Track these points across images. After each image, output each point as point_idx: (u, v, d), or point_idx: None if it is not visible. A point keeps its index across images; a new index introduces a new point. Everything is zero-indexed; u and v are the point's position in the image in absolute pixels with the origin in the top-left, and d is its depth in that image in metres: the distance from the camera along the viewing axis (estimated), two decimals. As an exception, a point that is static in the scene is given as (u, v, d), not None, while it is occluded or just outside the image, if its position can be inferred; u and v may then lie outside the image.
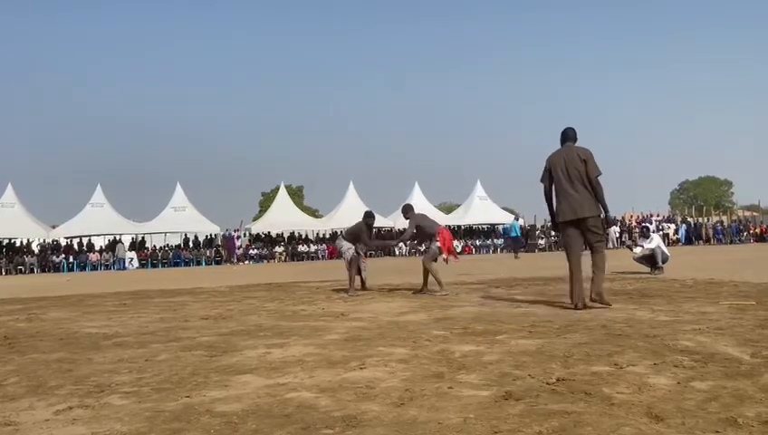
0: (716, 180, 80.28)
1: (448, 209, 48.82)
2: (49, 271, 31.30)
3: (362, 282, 9.54)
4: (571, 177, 6.02)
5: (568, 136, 6.28)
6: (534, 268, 14.95)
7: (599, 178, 6.02)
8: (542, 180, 6.30)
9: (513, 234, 27.16)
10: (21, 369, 4.03)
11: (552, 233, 37.24)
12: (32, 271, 31.30)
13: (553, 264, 17.01)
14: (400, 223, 34.72)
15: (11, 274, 30.56)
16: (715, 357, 3.55)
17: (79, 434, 2.52)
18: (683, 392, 2.81)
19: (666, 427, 2.33)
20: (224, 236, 35.27)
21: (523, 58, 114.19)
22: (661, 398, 2.73)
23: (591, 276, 6.12)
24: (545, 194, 6.32)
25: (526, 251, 35.37)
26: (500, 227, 41.79)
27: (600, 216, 6.10)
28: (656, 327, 4.75)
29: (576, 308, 6.00)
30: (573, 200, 6.01)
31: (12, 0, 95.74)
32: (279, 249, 35.96)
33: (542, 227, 38.76)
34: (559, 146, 6.37)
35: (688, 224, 37.99)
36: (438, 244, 8.50)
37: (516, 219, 28.83)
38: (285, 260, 34.56)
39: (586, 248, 6.26)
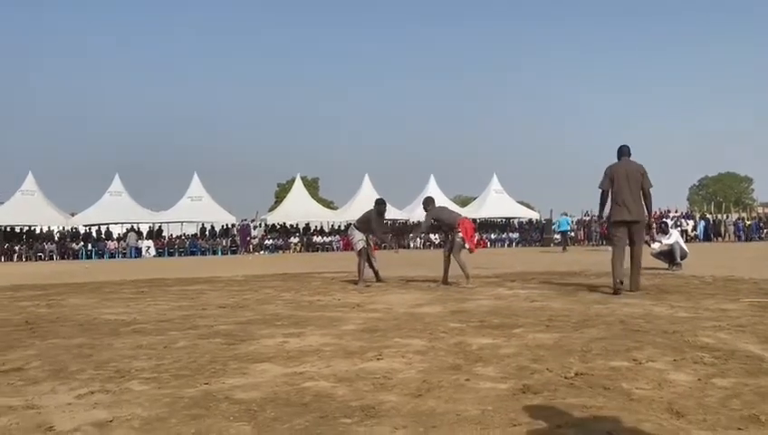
0: (737, 177, 79.03)
1: (464, 202, 48.59)
2: (68, 258, 31.69)
3: (375, 273, 9.54)
4: (630, 186, 7.10)
5: (624, 152, 7.36)
6: (550, 263, 14.86)
7: (650, 189, 7.22)
8: (601, 186, 7.30)
9: (563, 228, 27.28)
10: (42, 353, 4.09)
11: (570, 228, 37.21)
12: (51, 258, 31.72)
13: (569, 258, 16.91)
14: (415, 216, 34.72)
15: (31, 260, 30.99)
16: (735, 354, 3.51)
17: (101, 418, 2.56)
18: (704, 389, 2.79)
19: (687, 423, 2.30)
20: (240, 225, 35.47)
21: (540, 52, 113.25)
22: (682, 394, 2.70)
23: (630, 270, 7.13)
24: (603, 196, 7.34)
25: (541, 245, 35.20)
26: (514, 221, 41.62)
27: (645, 221, 7.38)
28: (675, 323, 4.71)
29: (616, 289, 6.94)
30: (630, 205, 7.09)
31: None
32: (294, 240, 36.11)
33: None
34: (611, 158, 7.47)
35: (707, 220, 37.51)
36: (461, 235, 8.49)
37: (565, 214, 28.86)
38: (300, 251, 34.70)
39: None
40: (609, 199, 7.26)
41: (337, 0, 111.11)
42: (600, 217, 7.90)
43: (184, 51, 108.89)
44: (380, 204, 9.65)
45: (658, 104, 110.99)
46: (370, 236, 9.59)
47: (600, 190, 7.33)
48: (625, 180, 7.11)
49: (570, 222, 28.21)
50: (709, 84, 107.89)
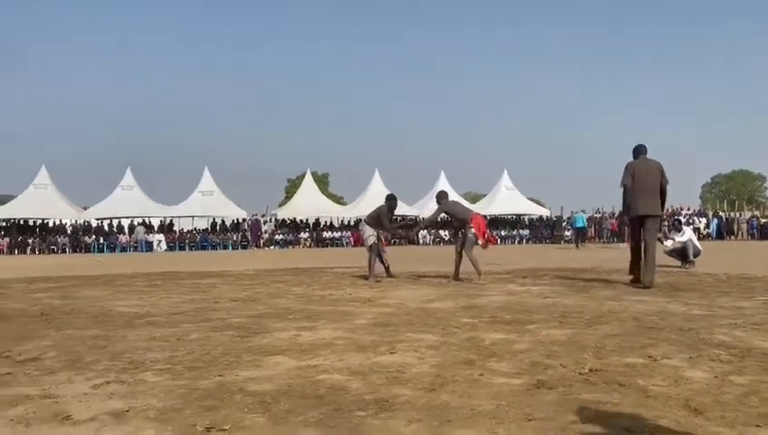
0: (750, 174, 78.29)
1: (474, 199, 48.50)
2: (80, 251, 31.95)
3: (386, 269, 9.54)
4: (650, 182, 7.51)
5: (641, 150, 7.75)
6: (562, 259, 14.80)
7: (667, 186, 7.64)
8: (623, 182, 7.62)
9: (578, 225, 27.22)
10: (58, 344, 4.13)
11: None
12: (64, 251, 32.00)
13: (581, 256, 16.83)
14: (426, 211, 34.61)
15: (44, 253, 31.29)
16: (752, 352, 3.48)
17: (116, 408, 2.57)
18: (721, 386, 2.76)
19: (705, 420, 2.28)
20: (251, 221, 35.60)
21: (552, 48, 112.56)
22: (699, 391, 2.68)
23: (643, 266, 7.49)
24: (626, 191, 7.69)
25: (552, 242, 35.07)
26: (525, 218, 41.48)
27: (660, 216, 7.86)
28: (690, 321, 4.67)
29: (634, 278, 7.58)
30: (649, 200, 7.52)
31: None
32: (304, 235, 36.20)
33: (569, 218, 38.37)
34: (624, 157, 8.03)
35: (720, 218, 37.18)
36: (473, 230, 8.46)
37: (582, 211, 28.81)
38: (310, 246, 34.78)
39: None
40: (631, 194, 7.63)
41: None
42: (624, 212, 8.43)
43: (195, 46, 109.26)
44: (391, 199, 9.64)
45: (670, 102, 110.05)
46: (381, 232, 9.58)
47: (623, 187, 7.68)
48: (645, 177, 7.50)
49: (585, 219, 28.07)
50: (722, 81, 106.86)
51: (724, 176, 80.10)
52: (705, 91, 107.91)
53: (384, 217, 9.37)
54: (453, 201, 9.37)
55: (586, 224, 28.49)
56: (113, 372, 3.26)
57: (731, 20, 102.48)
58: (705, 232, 34.66)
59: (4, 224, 34.17)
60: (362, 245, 9.78)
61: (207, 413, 2.48)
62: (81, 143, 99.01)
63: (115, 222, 35.40)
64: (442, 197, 9.04)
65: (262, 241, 34.28)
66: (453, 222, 8.75)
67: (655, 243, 7.69)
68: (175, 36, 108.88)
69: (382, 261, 9.50)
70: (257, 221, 35.20)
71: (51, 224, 35.05)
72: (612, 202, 42.52)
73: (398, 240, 31.75)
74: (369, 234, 9.42)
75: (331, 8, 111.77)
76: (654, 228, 7.67)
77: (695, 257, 10.82)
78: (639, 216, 7.56)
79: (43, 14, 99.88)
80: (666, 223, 12.23)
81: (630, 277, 7.81)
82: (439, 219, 9.00)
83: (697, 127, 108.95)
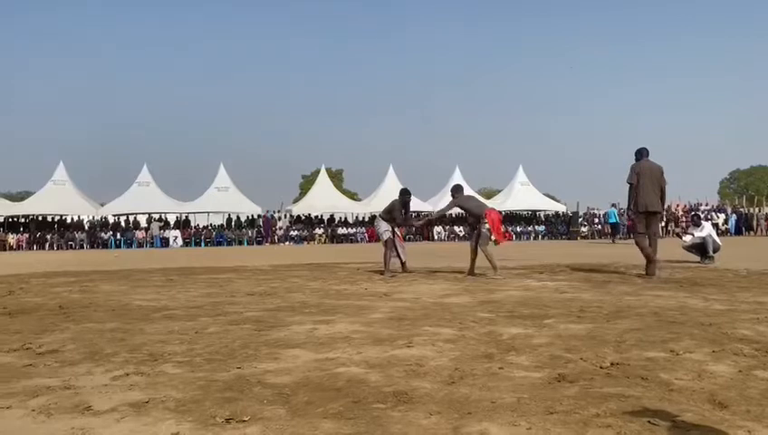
0: (768, 169, 77.21)
1: (489, 195, 48.24)
2: (97, 247, 32.26)
3: (402, 264, 9.51)
4: (653, 182, 8.29)
5: (644, 153, 8.46)
6: (578, 255, 14.67)
7: (666, 186, 8.47)
8: (630, 180, 8.35)
9: (612, 220, 26.92)
10: (77, 337, 4.16)
11: (595, 221, 36.73)
12: (81, 247, 32.33)
13: (597, 251, 16.68)
14: (440, 207, 34.55)
15: (62, 249, 31.62)
16: (776, 347, 3.41)
17: (137, 399, 2.58)
18: (745, 381, 2.71)
19: (731, 414, 2.24)
20: (264, 217, 35.76)
21: (567, 43, 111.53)
22: (723, 385, 2.64)
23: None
24: (631, 190, 8.38)
25: (568, 238, 34.81)
26: (541, 214, 41.21)
27: (661, 213, 8.66)
28: (711, 316, 4.60)
29: (649, 259, 8.19)
30: (652, 198, 8.28)
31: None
32: (318, 231, 36.25)
33: (585, 214, 38.05)
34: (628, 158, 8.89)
35: (739, 214, 36.67)
36: (488, 226, 8.40)
37: (613, 206, 28.55)
38: (325, 242, 34.82)
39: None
40: (635, 192, 8.34)
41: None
42: (629, 208, 9.02)
43: (211, 44, 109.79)
44: (405, 194, 9.61)
45: (687, 97, 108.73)
46: (397, 227, 9.56)
47: (629, 185, 8.39)
48: (649, 177, 8.28)
49: (617, 214, 27.75)
50: (739, 76, 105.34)
51: (742, 171, 79.01)
52: (722, 86, 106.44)
53: (396, 211, 9.36)
54: (467, 196, 9.31)
55: (618, 219, 28.09)
56: (132, 364, 3.27)
57: (745, 10, 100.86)
58: (723, 228, 34.20)
59: (23, 220, 34.61)
60: (377, 240, 9.77)
61: (227, 405, 2.48)
62: (98, 140, 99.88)
63: (132, 218, 35.71)
64: (457, 190, 8.97)
65: (276, 237, 34.40)
66: (467, 217, 8.69)
67: (657, 239, 8.55)
68: (190, 33, 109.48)
69: (399, 256, 9.47)
70: (270, 217, 35.35)
71: (69, 220, 35.42)
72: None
73: (412, 235, 31.72)
74: (385, 229, 9.40)
75: (344, 3, 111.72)
76: (656, 224, 8.61)
77: (714, 253, 10.68)
78: (646, 212, 8.27)
79: (59, 6, 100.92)
80: (684, 218, 12.18)
81: (648, 262, 8.28)
82: (453, 214, 8.95)
83: (714, 123, 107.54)
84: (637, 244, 8.51)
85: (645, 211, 8.28)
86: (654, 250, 8.25)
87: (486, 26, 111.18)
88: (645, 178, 8.26)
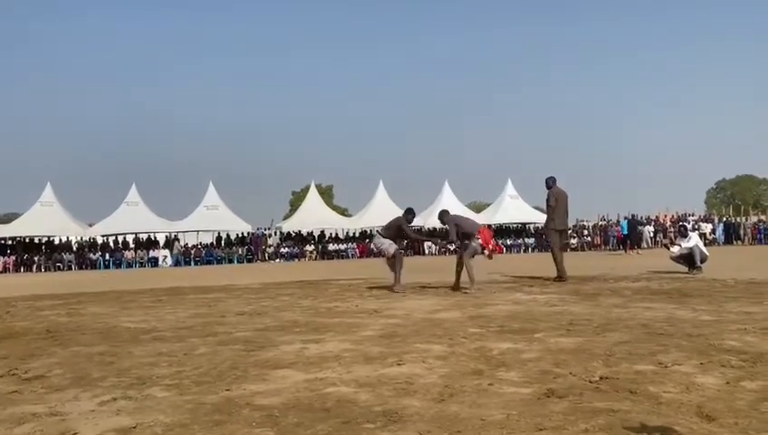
0: (754, 179, 77.97)
1: (478, 208, 48.42)
2: (86, 268, 31.99)
3: (395, 280, 9.46)
4: (566, 205, 10.31)
5: (555, 181, 10.31)
6: (568, 268, 14.69)
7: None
8: (550, 203, 10.25)
9: (625, 232, 26.96)
10: (64, 361, 4.12)
11: (584, 233, 36.93)
12: (69, 268, 32.02)
13: (586, 263, 16.75)
14: (430, 222, 34.49)
15: (50, 270, 31.31)
16: (764, 357, 3.44)
17: (124, 425, 2.56)
18: (733, 392, 2.73)
19: (718, 426, 2.26)
20: (253, 235, 35.66)
21: (553, 57, 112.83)
22: (711, 397, 2.65)
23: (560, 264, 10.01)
24: (550, 210, 10.35)
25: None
26: (530, 227, 41.36)
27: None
28: (699, 327, 4.63)
29: (563, 278, 9.77)
30: (565, 218, 10.48)
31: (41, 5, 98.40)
32: (309, 248, 36.15)
33: (574, 226, 38.24)
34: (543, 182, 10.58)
35: (726, 223, 37.00)
36: (480, 241, 8.50)
37: (625, 218, 28.61)
38: (315, 258, 34.72)
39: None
40: (554, 212, 10.16)
41: (351, 4, 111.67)
42: (546, 226, 11.03)
43: (198, 60, 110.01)
44: (409, 213, 9.74)
45: (673, 108, 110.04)
46: (401, 242, 9.61)
47: (551, 206, 10.25)
48: (563, 201, 10.21)
49: (626, 225, 27.74)
50: (726, 86, 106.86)
51: (728, 181, 79.88)
52: (709, 95, 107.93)
53: (406, 228, 9.44)
54: (457, 215, 9.43)
55: (628, 230, 28.03)
56: (120, 388, 3.24)
57: (733, 20, 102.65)
58: (710, 237, 34.47)
59: (10, 242, 34.27)
60: (375, 256, 9.80)
61: (216, 428, 2.46)
62: (85, 160, 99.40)
63: (120, 238, 35.47)
64: (445, 214, 9.15)
65: (266, 254, 34.29)
66: (459, 235, 8.76)
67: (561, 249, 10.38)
68: (177, 49, 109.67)
69: (394, 271, 9.43)
70: (260, 235, 35.29)
71: (56, 241, 35.11)
72: (618, 210, 42.53)
73: (403, 250, 31.61)
74: (390, 243, 9.35)
75: (332, 21, 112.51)
76: (565, 238, 10.93)
77: (702, 263, 10.75)
78: (563, 229, 10.42)
79: (50, 22, 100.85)
80: (672, 229, 12.44)
81: (562, 278, 9.78)
82: (444, 230, 9.06)
83: (701, 132, 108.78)
84: (554, 255, 10.06)
85: (562, 229, 10.42)
86: (562, 257, 10.12)
87: (476, 39, 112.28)
88: (561, 201, 10.15)
